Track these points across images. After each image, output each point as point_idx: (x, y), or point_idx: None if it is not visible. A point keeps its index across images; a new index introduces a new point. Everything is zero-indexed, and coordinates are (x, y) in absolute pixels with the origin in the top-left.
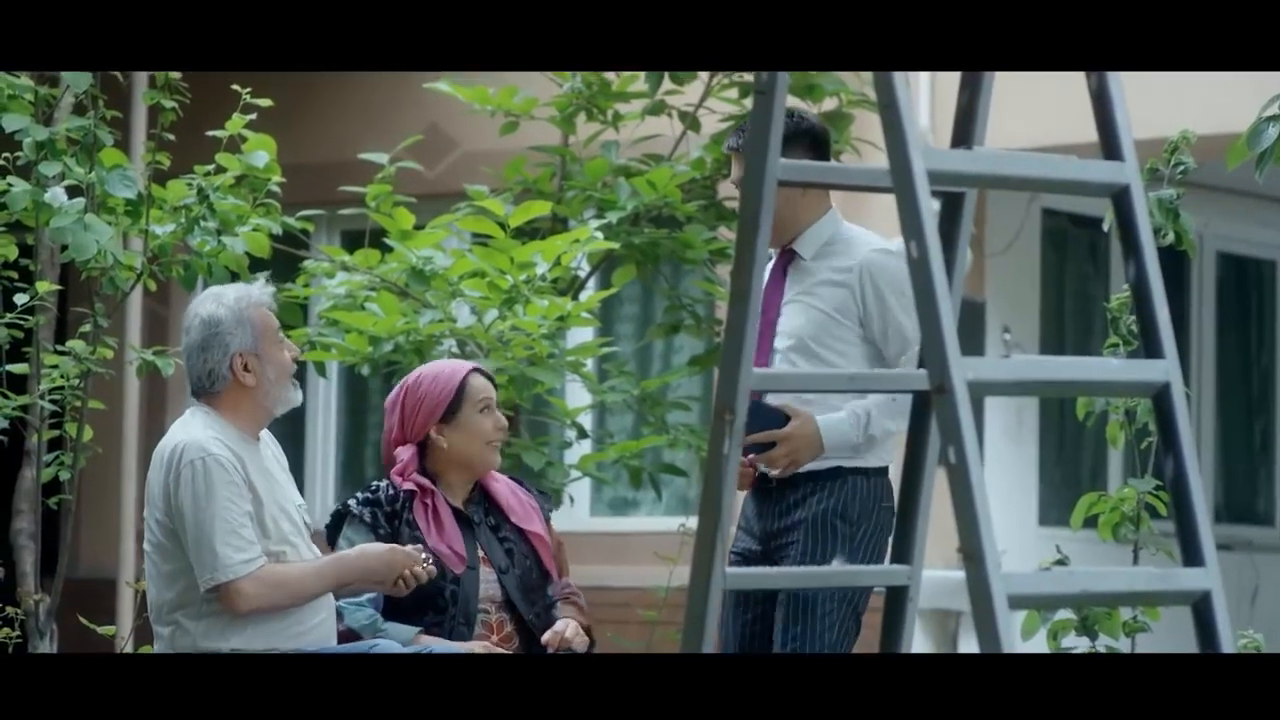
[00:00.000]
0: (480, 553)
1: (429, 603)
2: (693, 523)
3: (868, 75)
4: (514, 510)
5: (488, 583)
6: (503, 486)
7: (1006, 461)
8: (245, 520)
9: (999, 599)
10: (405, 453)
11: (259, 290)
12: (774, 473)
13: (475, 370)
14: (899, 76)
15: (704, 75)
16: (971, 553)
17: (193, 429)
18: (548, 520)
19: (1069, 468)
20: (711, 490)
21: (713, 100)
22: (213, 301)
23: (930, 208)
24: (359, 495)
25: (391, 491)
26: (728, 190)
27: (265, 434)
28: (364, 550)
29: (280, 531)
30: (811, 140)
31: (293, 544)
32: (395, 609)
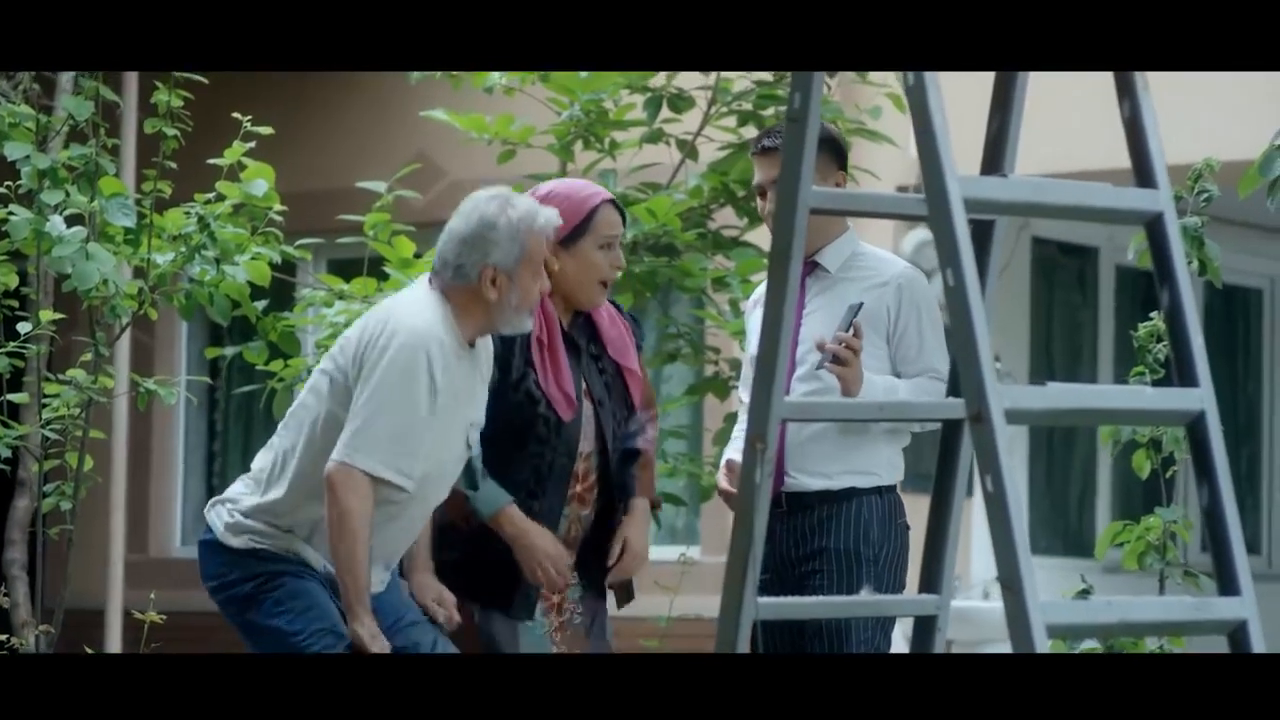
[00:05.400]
0: (584, 384)
1: (528, 431)
2: (692, 552)
3: (864, 103)
4: (612, 341)
5: (586, 418)
6: (603, 314)
7: None
8: (411, 430)
9: (1038, 628)
10: None
11: (546, 216)
12: (831, 367)
13: (609, 202)
14: (935, 103)
15: (702, 103)
16: (1010, 582)
17: (425, 313)
18: (640, 348)
19: (1057, 496)
20: (743, 519)
21: (711, 129)
22: (500, 204)
23: (967, 236)
24: None
25: None
26: (723, 219)
27: (483, 342)
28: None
29: (438, 451)
30: (833, 147)
31: (440, 461)
32: (493, 440)
